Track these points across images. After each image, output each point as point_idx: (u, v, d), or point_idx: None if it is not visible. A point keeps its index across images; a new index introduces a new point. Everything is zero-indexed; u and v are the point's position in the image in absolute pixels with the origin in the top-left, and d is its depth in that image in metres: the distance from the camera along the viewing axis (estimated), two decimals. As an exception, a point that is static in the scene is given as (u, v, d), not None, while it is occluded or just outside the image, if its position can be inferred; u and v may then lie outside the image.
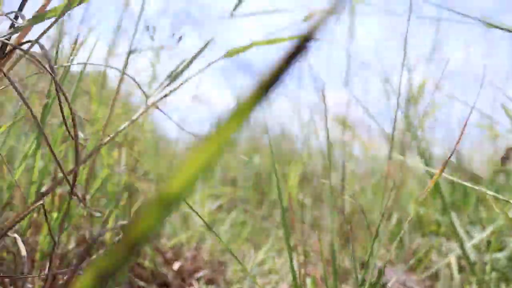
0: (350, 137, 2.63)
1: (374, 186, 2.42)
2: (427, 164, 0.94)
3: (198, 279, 1.49)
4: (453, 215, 1.84)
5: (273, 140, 3.00)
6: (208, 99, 2.29)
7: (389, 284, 1.49)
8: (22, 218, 0.76)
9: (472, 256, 1.28)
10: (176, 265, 1.50)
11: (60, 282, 1.01)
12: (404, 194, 2.16)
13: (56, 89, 0.68)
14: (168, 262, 1.49)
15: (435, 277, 1.66)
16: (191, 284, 1.42)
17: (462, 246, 0.92)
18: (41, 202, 0.75)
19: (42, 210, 1.03)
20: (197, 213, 1.47)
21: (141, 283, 1.36)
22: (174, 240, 1.62)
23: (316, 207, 2.11)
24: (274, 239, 1.71)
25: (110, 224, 1.32)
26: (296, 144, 2.86)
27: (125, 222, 1.14)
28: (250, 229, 1.94)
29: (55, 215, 1.04)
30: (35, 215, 1.08)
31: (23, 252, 0.98)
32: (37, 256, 1.05)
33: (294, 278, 0.97)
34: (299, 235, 1.61)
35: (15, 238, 1.02)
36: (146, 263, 1.44)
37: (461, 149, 2.45)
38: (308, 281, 1.33)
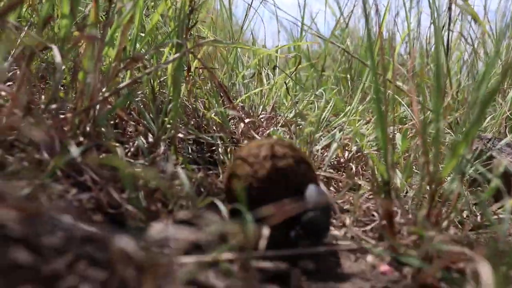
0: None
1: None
2: None
3: (269, 135, 1.32)
4: None
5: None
6: None
7: (493, 153, 1.21)
8: None
9: None
10: (247, 120, 1.33)
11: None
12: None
13: None
14: (239, 119, 1.31)
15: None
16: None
17: None
18: None
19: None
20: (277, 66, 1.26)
21: (207, 138, 1.21)
22: (246, 96, 1.44)
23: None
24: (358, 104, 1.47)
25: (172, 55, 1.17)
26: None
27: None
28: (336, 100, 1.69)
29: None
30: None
31: (58, 59, 0.86)
32: (80, 75, 0.92)
33: (382, 122, 0.74)
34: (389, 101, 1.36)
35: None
36: (211, 115, 1.28)
37: None
38: (398, 135, 1.10)
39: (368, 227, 0.89)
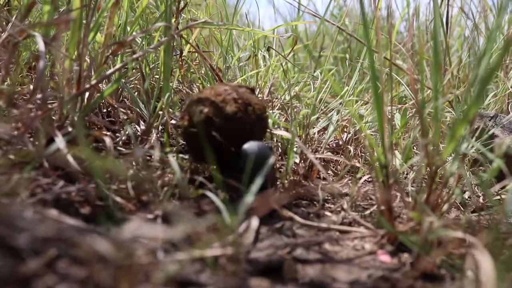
0: None
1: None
2: None
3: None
4: None
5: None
6: None
7: (496, 132, 1.18)
8: None
9: None
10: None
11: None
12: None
13: None
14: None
15: None
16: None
17: None
18: None
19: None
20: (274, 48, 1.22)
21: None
22: (241, 79, 1.41)
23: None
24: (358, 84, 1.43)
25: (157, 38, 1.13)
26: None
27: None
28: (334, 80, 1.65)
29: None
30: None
31: (42, 47, 0.83)
32: (66, 63, 0.89)
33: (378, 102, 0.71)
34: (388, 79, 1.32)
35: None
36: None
37: None
38: (398, 115, 1.06)
39: (367, 212, 0.87)
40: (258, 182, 0.55)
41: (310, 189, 0.94)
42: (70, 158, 0.72)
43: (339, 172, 1.09)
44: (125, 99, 1.22)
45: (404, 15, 2.38)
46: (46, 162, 0.75)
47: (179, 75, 1.30)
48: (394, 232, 0.64)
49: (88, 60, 1.15)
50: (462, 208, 1.01)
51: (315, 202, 0.90)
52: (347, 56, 2.45)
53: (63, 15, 0.79)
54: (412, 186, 1.04)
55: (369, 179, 1.04)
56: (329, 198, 0.96)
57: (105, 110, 1.17)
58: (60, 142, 0.73)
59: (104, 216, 0.65)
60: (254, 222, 0.49)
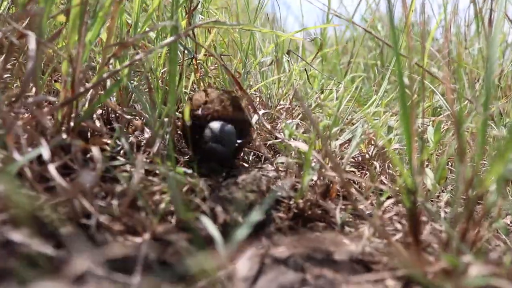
0: None
1: None
2: None
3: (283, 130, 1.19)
4: None
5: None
6: None
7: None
8: None
9: None
10: (261, 112, 1.20)
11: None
12: None
13: None
14: (253, 110, 1.18)
15: None
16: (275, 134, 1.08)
17: None
18: None
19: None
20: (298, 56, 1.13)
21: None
22: (262, 84, 1.31)
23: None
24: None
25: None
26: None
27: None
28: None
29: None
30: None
31: (33, 46, 0.76)
32: (63, 65, 0.82)
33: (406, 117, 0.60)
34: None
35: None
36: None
37: None
38: (430, 128, 0.95)
39: (393, 238, 0.75)
40: (258, 214, 0.45)
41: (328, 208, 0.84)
42: (52, 169, 0.64)
43: (362, 190, 0.98)
44: (135, 104, 1.15)
45: (441, 21, 2.25)
46: (30, 173, 0.68)
47: (194, 80, 1.21)
48: (420, 279, 0.53)
49: (96, 62, 1.08)
50: (502, 235, 0.88)
51: (333, 225, 0.79)
52: (378, 62, 2.33)
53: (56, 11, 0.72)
54: (445, 209, 0.92)
55: (397, 201, 0.93)
56: (350, 220, 0.85)
57: (113, 116, 1.10)
58: (44, 151, 0.65)
59: (84, 238, 0.57)
60: (243, 266, 0.39)
